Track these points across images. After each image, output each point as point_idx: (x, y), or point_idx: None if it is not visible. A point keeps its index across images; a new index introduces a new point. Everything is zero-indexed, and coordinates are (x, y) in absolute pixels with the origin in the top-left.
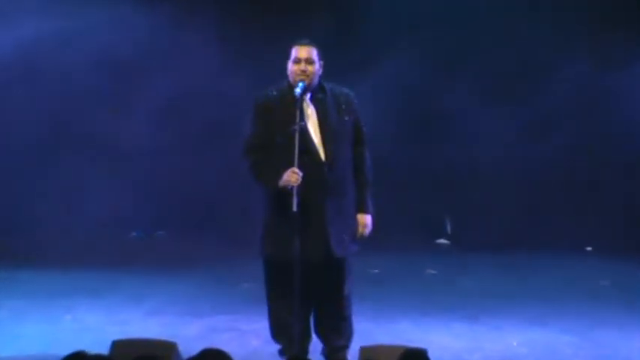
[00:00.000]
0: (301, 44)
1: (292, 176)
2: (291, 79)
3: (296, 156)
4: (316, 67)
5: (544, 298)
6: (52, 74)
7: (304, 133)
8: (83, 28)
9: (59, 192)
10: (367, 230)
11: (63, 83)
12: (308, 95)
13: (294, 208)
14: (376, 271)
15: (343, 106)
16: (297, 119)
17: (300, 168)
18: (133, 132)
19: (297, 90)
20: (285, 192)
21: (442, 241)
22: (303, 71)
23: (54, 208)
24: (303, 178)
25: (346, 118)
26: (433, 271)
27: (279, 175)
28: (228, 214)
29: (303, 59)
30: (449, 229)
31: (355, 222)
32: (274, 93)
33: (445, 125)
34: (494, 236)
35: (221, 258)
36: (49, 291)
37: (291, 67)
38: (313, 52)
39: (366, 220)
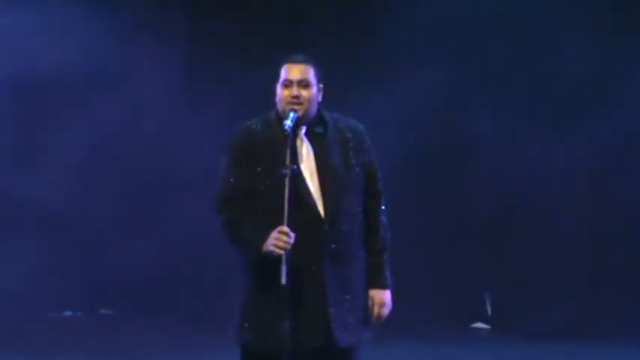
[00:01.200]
0: (293, 61)
1: (281, 238)
2: (280, 107)
3: (286, 211)
4: (313, 92)
5: None
6: None
7: (297, 179)
8: None
9: None
10: (385, 311)
11: None
12: (303, 129)
13: (284, 281)
14: None
15: (351, 144)
16: (288, 161)
17: (291, 226)
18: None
19: (288, 122)
20: (271, 259)
21: (480, 325)
22: (296, 97)
23: None
24: (296, 240)
25: (354, 161)
26: None
27: (264, 236)
28: (191, 289)
29: (296, 81)
30: (489, 309)
31: (365, 300)
32: (257, 127)
33: (479, 159)
34: (549, 319)
35: (181, 345)
36: None
37: (280, 92)
38: (309, 72)
39: (383, 297)
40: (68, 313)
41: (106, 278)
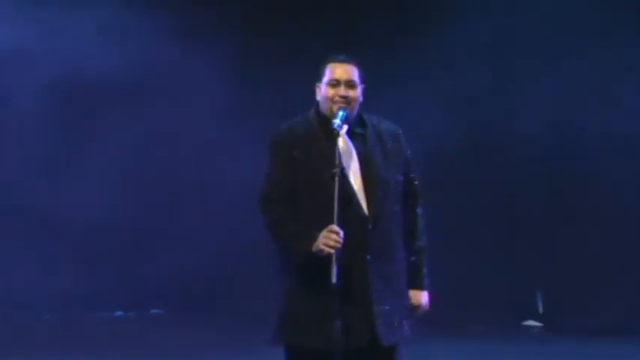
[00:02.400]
0: (339, 61)
1: (331, 237)
2: (324, 107)
3: (335, 210)
4: (358, 92)
5: None
6: None
7: (342, 179)
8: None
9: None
10: (422, 312)
11: None
12: (345, 128)
13: (334, 280)
14: None
15: (389, 146)
16: (337, 160)
17: (338, 226)
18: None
19: (337, 121)
20: (319, 259)
21: (532, 322)
22: (344, 97)
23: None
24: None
25: (393, 162)
26: None
27: (312, 235)
28: (240, 289)
29: (343, 81)
30: (541, 306)
31: (407, 298)
32: (299, 126)
33: (528, 155)
34: (603, 318)
35: (225, 347)
36: None
37: (325, 91)
38: (355, 72)
39: (421, 298)
40: (119, 312)
41: (157, 278)
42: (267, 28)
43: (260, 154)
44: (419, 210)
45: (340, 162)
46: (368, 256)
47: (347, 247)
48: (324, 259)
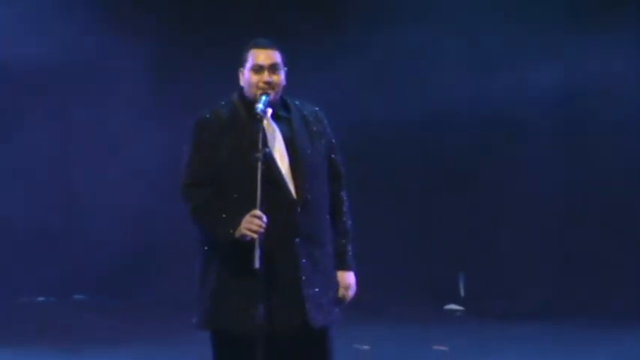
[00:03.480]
0: (262, 46)
1: (254, 222)
2: (249, 92)
3: (259, 195)
4: (282, 77)
5: None
6: None
7: (269, 163)
8: None
9: None
10: (350, 293)
11: None
12: (269, 112)
13: (257, 265)
14: (366, 347)
15: (314, 128)
16: (260, 144)
17: (263, 210)
18: None
19: (260, 106)
20: (244, 244)
21: (454, 306)
22: (268, 83)
23: None
24: (268, 222)
25: (318, 144)
26: (442, 348)
27: (236, 220)
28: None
29: (267, 66)
30: (462, 290)
31: (335, 281)
32: (222, 111)
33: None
34: (523, 301)
35: (153, 333)
36: None
37: (248, 76)
38: (277, 57)
39: (347, 279)
40: (40, 298)
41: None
42: (187, 18)
43: (176, 143)
44: (343, 192)
45: (264, 146)
46: (297, 240)
47: (274, 231)
48: (248, 245)
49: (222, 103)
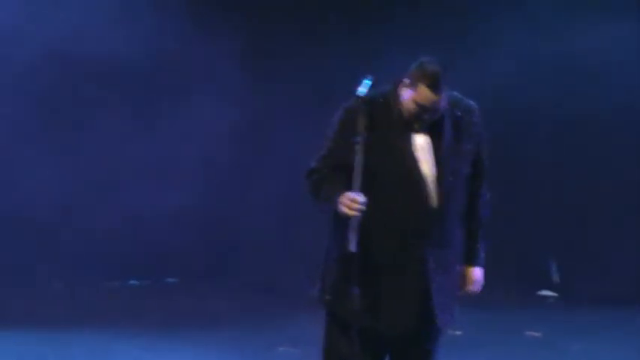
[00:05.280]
0: (433, 88)
1: (353, 201)
2: (403, 107)
3: (357, 177)
4: (440, 109)
5: None
6: None
7: (411, 163)
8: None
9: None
10: (477, 287)
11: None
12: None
13: (352, 248)
14: (458, 332)
15: (462, 124)
16: (359, 128)
17: (400, 207)
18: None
19: (362, 89)
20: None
21: (547, 292)
22: (425, 121)
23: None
24: (401, 224)
25: (464, 140)
26: (535, 334)
27: (339, 193)
28: (254, 255)
29: (429, 110)
30: (556, 276)
31: (460, 277)
32: (380, 100)
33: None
34: (614, 287)
35: (248, 313)
36: (40, 354)
37: (409, 102)
38: (442, 103)
39: (475, 274)
40: (132, 281)
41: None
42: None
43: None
44: (484, 190)
45: (362, 133)
46: (426, 242)
47: (406, 234)
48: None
49: (378, 94)
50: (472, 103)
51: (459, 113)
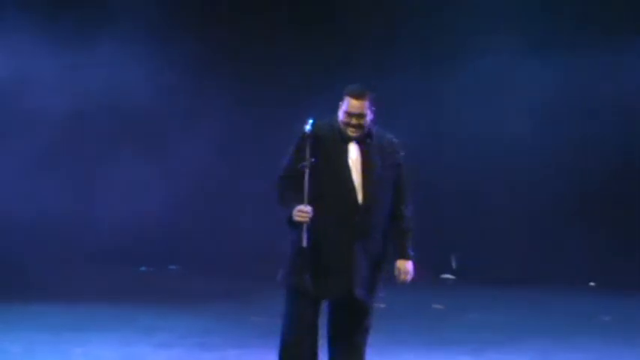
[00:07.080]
0: (355, 97)
1: (302, 212)
2: (341, 124)
3: (306, 193)
4: (367, 120)
5: (550, 333)
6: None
7: (345, 173)
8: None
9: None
10: (409, 277)
11: None
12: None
13: (304, 244)
14: (383, 305)
15: (387, 151)
16: (307, 155)
17: (333, 208)
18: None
19: (307, 127)
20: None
21: (447, 276)
22: (354, 126)
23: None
24: (335, 219)
25: (387, 163)
26: (439, 306)
27: (294, 205)
28: (237, 249)
29: (355, 115)
30: (454, 264)
31: (381, 267)
32: (324, 128)
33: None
34: (502, 270)
35: (233, 293)
36: (59, 324)
37: (342, 116)
38: (366, 106)
39: (407, 266)
40: (142, 268)
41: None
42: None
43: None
44: (404, 203)
45: (311, 157)
46: (355, 235)
47: (340, 227)
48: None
49: (326, 121)
50: (394, 137)
51: (383, 143)
